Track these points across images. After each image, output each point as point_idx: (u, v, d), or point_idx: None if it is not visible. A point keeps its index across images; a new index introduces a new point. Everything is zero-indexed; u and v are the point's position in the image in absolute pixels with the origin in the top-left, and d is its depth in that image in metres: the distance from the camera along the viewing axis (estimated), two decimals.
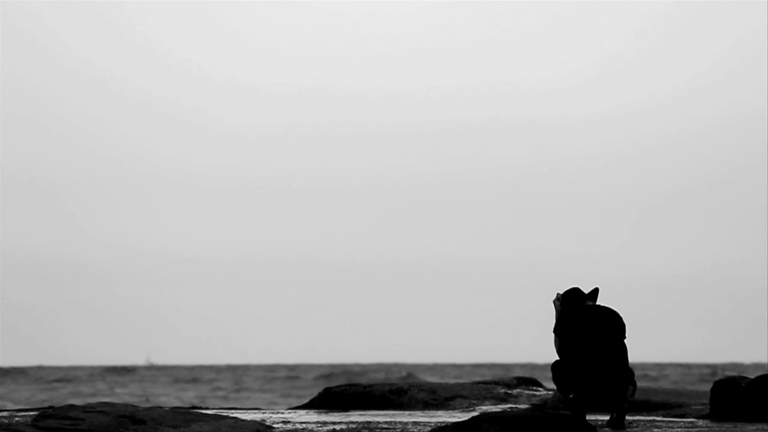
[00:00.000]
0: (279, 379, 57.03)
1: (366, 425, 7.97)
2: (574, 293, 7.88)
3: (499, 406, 9.49)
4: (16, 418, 8.27)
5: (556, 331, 7.78)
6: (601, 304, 7.91)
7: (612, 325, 7.72)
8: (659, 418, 8.73)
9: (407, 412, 9.28)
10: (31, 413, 8.52)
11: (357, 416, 8.87)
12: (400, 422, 8.27)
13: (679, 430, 7.78)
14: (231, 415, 8.34)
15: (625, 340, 7.76)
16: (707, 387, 9.15)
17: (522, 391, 10.80)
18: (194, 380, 55.18)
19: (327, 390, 10.52)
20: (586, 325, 7.70)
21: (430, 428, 7.63)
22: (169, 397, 38.16)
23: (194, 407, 9.72)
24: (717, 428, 7.81)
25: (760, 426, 7.81)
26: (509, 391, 10.64)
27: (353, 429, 7.74)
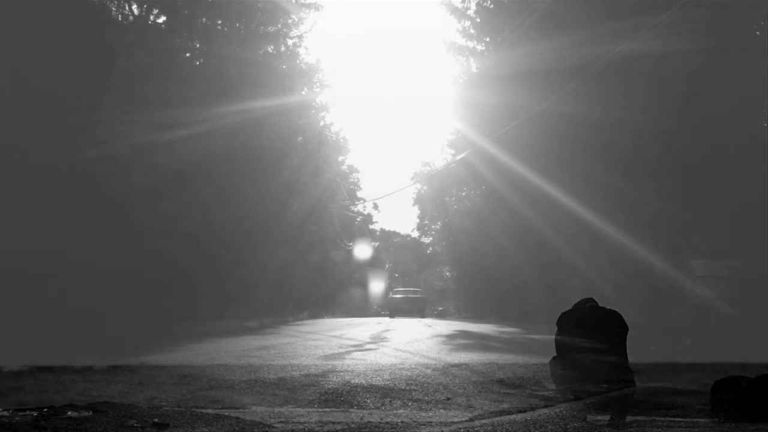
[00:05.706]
0: None
1: (367, 425, 7.98)
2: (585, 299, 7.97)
3: (500, 405, 9.50)
4: (17, 418, 8.27)
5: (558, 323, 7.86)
6: (605, 306, 7.96)
7: (612, 323, 7.76)
8: (659, 418, 8.73)
9: (408, 411, 9.29)
10: (33, 413, 8.52)
11: (357, 416, 8.88)
12: (402, 422, 8.27)
13: (679, 430, 7.78)
14: (232, 415, 8.35)
15: (623, 339, 7.80)
16: (708, 386, 9.16)
17: (523, 390, 10.83)
18: None
19: (329, 390, 10.55)
20: (585, 322, 7.74)
21: (431, 428, 7.64)
22: None
23: (195, 407, 9.72)
24: (718, 428, 7.81)
25: (761, 426, 7.80)
26: (510, 391, 10.66)
27: (354, 429, 7.74)
